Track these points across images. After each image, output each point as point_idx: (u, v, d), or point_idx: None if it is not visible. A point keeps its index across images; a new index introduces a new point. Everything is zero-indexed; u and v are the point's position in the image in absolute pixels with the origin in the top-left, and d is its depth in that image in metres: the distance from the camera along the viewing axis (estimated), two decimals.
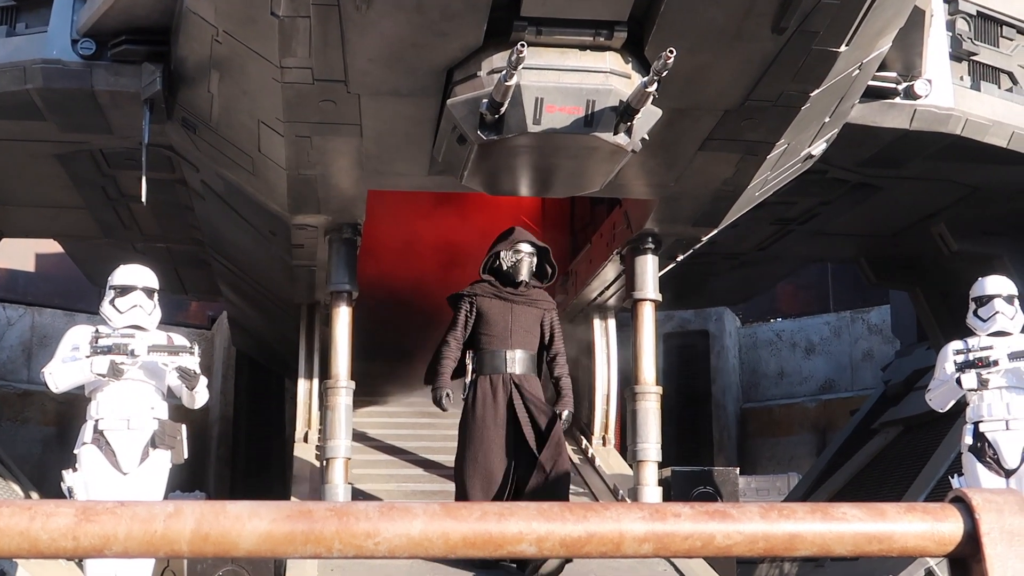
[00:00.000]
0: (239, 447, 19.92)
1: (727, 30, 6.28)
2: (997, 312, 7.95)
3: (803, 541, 1.77)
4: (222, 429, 19.81)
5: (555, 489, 7.52)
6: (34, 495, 12.38)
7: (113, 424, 7.26)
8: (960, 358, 7.84)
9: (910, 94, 9.24)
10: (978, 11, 10.18)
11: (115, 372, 7.17)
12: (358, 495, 9.04)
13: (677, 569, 8.10)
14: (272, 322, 13.65)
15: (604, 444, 11.29)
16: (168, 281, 13.81)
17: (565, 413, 7.86)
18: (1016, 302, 8.09)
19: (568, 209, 12.70)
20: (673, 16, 6.11)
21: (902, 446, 13.69)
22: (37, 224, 12.79)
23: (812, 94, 7.05)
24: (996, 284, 8.07)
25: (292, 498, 9.23)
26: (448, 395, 7.91)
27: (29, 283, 20.31)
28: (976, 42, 10.08)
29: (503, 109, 6.27)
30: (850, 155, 10.05)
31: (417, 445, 10.35)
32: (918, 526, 1.78)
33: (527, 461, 7.55)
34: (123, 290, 7.52)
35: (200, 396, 7.58)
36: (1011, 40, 10.40)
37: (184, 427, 7.58)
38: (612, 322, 11.80)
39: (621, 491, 9.72)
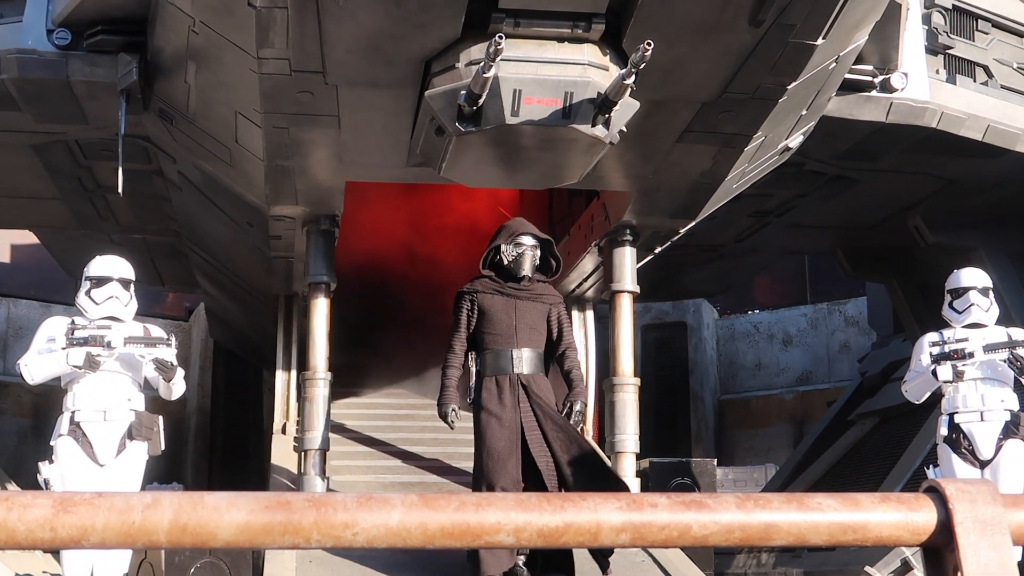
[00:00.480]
0: (216, 439, 19.88)
1: (704, 23, 6.30)
2: (972, 304, 7.99)
3: (779, 531, 1.78)
4: (199, 421, 19.77)
5: (596, 475, 7.12)
6: (11, 486, 12.34)
7: (89, 416, 7.23)
8: (936, 350, 7.88)
9: (886, 87, 9.29)
10: (954, 5, 10.24)
11: (91, 364, 7.14)
12: (336, 487, 9.03)
13: (655, 560, 8.12)
14: (250, 314, 13.62)
15: None
16: (145, 272, 13.77)
17: (578, 404, 7.33)
18: (991, 294, 8.13)
19: (546, 201, 12.71)
20: (651, 9, 6.13)
21: (878, 437, 13.78)
22: (12, 215, 12.72)
23: (789, 87, 7.08)
24: (971, 276, 8.12)
25: (270, 490, 9.21)
26: (455, 410, 7.39)
27: (4, 274, 20.22)
28: (952, 36, 10.14)
29: (481, 101, 6.28)
30: (827, 148, 10.09)
31: (396, 437, 10.34)
32: (892, 516, 1.80)
33: (536, 481, 7.08)
34: (99, 281, 7.48)
35: (177, 388, 7.55)
36: (986, 34, 10.46)
37: (161, 419, 7.56)
38: (590, 314, 11.82)
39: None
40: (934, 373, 7.83)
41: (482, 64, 6.01)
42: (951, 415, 7.92)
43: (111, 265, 7.57)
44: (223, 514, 1.75)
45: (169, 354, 7.32)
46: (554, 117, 6.40)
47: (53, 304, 18.09)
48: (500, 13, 6.19)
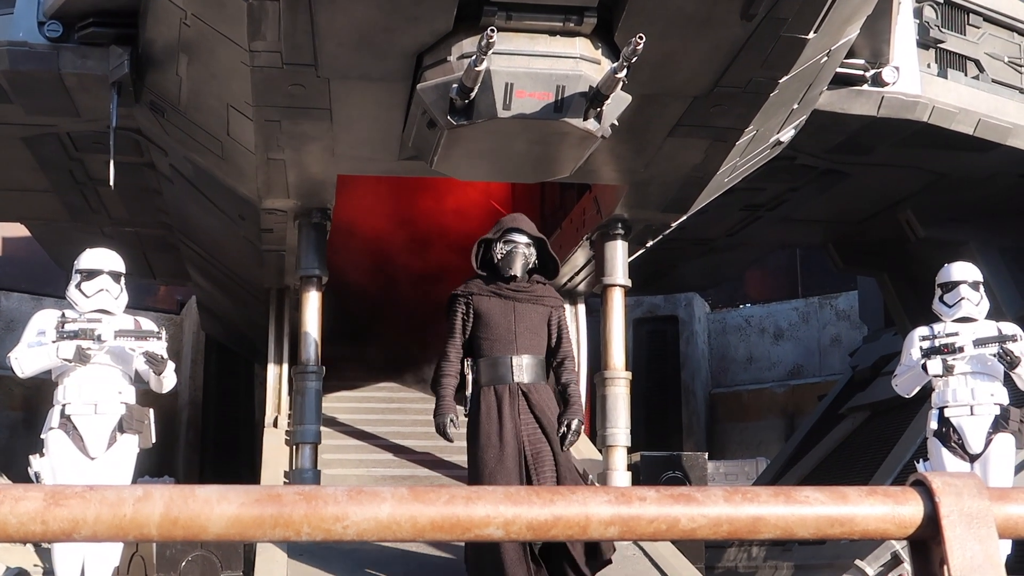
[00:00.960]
0: (208, 432, 19.88)
1: (696, 16, 6.30)
2: (963, 298, 8.00)
3: (766, 524, 1.79)
4: (191, 414, 19.76)
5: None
6: (2, 480, 12.33)
7: (80, 409, 7.22)
8: (926, 344, 7.90)
9: (878, 81, 9.30)
10: None
11: (81, 357, 7.12)
12: (328, 480, 9.04)
13: (646, 553, 8.14)
14: (241, 307, 13.61)
15: None
16: (136, 265, 13.76)
17: (575, 423, 6.77)
18: (981, 288, 8.15)
19: (538, 194, 12.72)
20: (643, 2, 6.13)
21: (869, 431, 13.82)
22: (3, 207, 12.69)
23: (781, 81, 7.09)
24: (962, 270, 8.13)
25: (262, 483, 9.22)
26: (452, 421, 6.82)
27: None
28: (943, 30, 10.16)
29: (473, 94, 6.28)
30: (818, 142, 10.11)
31: (387, 430, 10.35)
32: (879, 509, 1.81)
33: None
34: (89, 274, 7.46)
35: (168, 381, 7.54)
36: (978, 28, 10.48)
37: (152, 411, 7.55)
38: (582, 307, 11.84)
39: (591, 476, 9.76)
40: (924, 367, 7.85)
41: (474, 57, 6.01)
42: (941, 409, 7.94)
43: (101, 258, 7.55)
44: (214, 507, 1.75)
45: (160, 347, 7.30)
46: (546, 111, 6.41)
47: (44, 297, 18.06)
48: (492, 6, 6.20)
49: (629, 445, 9.17)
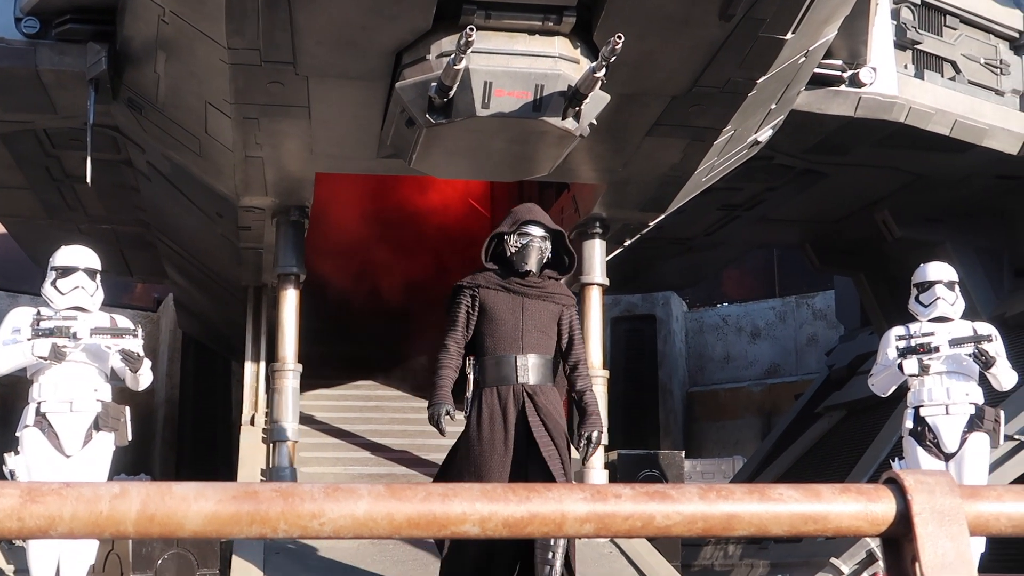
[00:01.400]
0: (185, 430, 19.81)
1: (675, 16, 6.32)
2: (938, 298, 8.04)
3: (740, 521, 1.81)
4: (168, 412, 19.69)
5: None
6: None
7: (56, 407, 7.18)
8: (902, 344, 7.93)
9: (855, 82, 9.35)
10: (922, 0, 10.31)
11: (57, 355, 7.09)
12: (305, 478, 9.03)
13: (622, 551, 8.17)
14: (219, 304, 13.57)
15: None
16: (113, 263, 13.70)
17: (595, 434, 6.37)
18: (957, 288, 8.19)
19: (516, 193, 12.73)
20: (621, 2, 6.15)
21: (845, 430, 13.87)
22: None
23: (759, 81, 7.12)
24: (937, 270, 8.17)
25: (238, 481, 9.20)
26: (448, 412, 6.34)
27: None
28: (920, 31, 10.21)
29: (452, 93, 6.28)
30: (796, 142, 10.15)
31: (364, 428, 10.34)
32: (852, 507, 1.83)
33: None
34: (64, 271, 7.42)
35: (144, 379, 7.51)
36: (954, 29, 10.54)
37: (128, 409, 7.52)
38: None
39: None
40: (900, 367, 7.88)
41: (453, 56, 6.02)
42: (917, 408, 7.98)
43: (77, 255, 7.51)
44: (191, 504, 1.75)
45: (136, 345, 7.27)
46: (524, 110, 6.42)
47: (20, 294, 17.95)
48: (471, 5, 6.20)
49: (606, 443, 9.18)
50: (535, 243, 6.40)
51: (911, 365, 7.84)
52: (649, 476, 9.38)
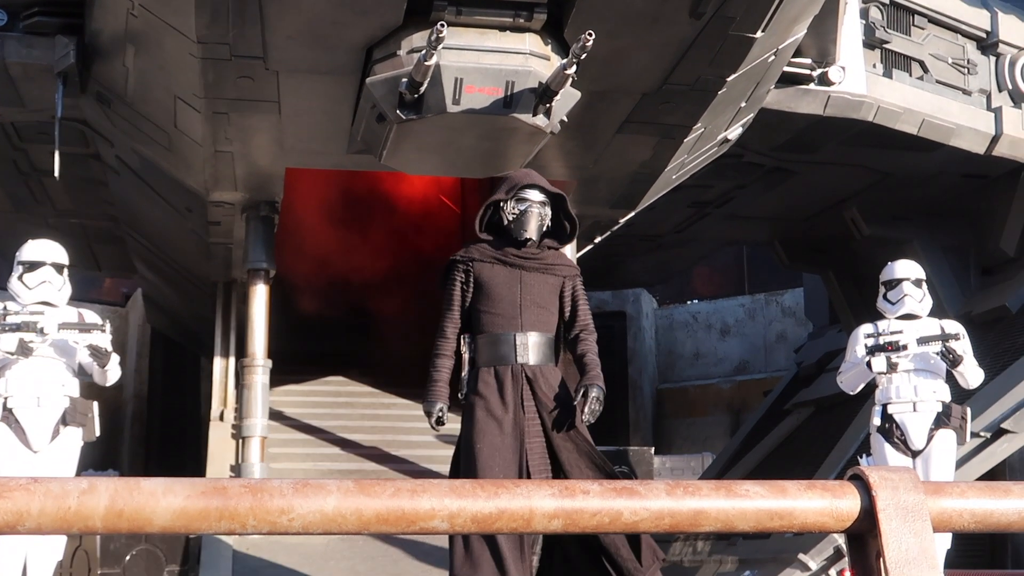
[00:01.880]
0: (153, 426, 19.72)
1: (646, 14, 6.34)
2: (905, 295, 8.08)
3: (707, 517, 1.82)
4: (136, 407, 19.59)
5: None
6: None
7: (23, 402, 7.13)
8: (870, 341, 7.98)
9: (824, 80, 9.40)
10: (891, 0, 10.38)
11: (24, 350, 7.03)
12: (274, 474, 9.00)
13: None
14: (188, 300, 13.51)
15: None
16: (82, 257, 13.61)
17: (594, 390, 5.86)
18: (924, 286, 8.24)
19: (487, 187, 12.72)
20: None
21: (813, 426, 13.94)
22: None
23: (728, 79, 7.15)
24: (905, 268, 8.21)
25: (207, 476, 9.16)
26: (443, 411, 5.89)
27: None
28: (889, 30, 10.27)
29: (422, 89, 6.28)
30: (765, 140, 10.19)
31: (334, 424, 10.32)
32: (818, 503, 1.84)
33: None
34: (31, 266, 7.36)
35: (112, 374, 7.47)
36: (923, 29, 10.61)
37: (96, 404, 7.47)
38: None
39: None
40: (868, 364, 7.93)
41: (424, 52, 6.01)
42: (884, 405, 8.03)
43: (43, 249, 7.46)
44: (159, 499, 1.75)
45: (104, 340, 7.23)
46: (495, 106, 6.42)
47: None
48: (442, 1, 6.20)
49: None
50: (534, 208, 5.86)
51: (879, 363, 7.89)
52: (618, 472, 9.40)
